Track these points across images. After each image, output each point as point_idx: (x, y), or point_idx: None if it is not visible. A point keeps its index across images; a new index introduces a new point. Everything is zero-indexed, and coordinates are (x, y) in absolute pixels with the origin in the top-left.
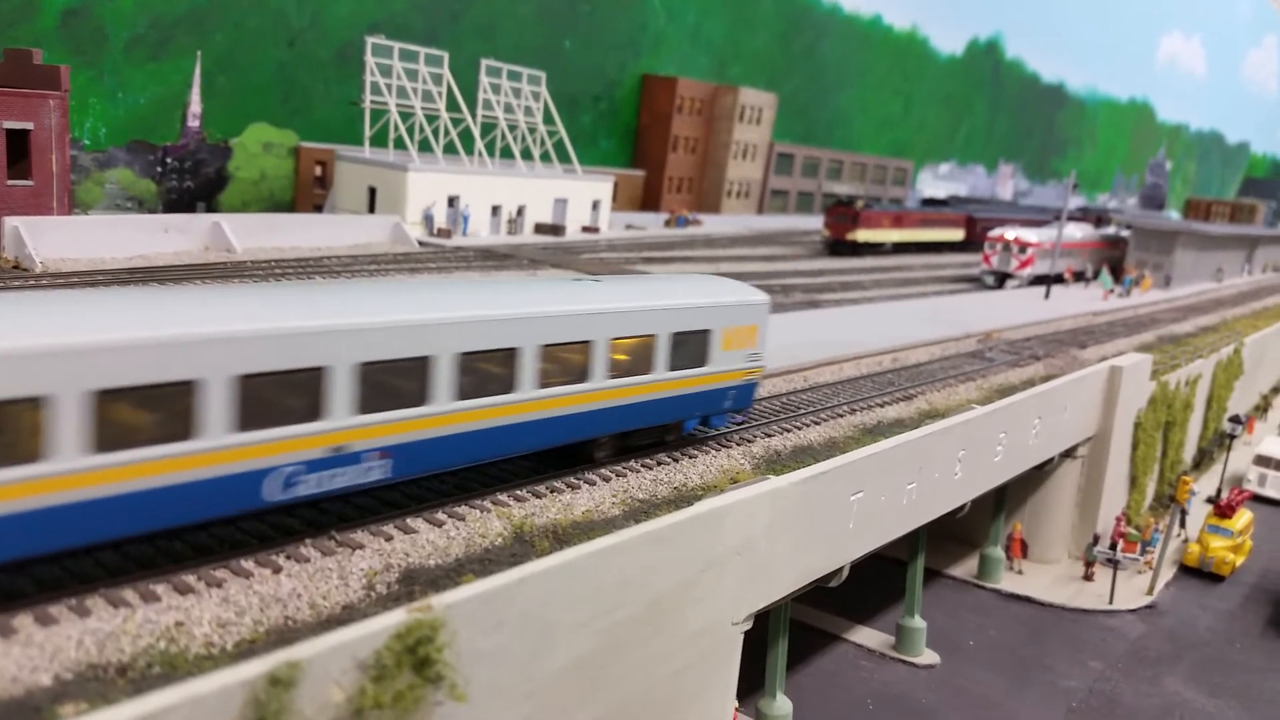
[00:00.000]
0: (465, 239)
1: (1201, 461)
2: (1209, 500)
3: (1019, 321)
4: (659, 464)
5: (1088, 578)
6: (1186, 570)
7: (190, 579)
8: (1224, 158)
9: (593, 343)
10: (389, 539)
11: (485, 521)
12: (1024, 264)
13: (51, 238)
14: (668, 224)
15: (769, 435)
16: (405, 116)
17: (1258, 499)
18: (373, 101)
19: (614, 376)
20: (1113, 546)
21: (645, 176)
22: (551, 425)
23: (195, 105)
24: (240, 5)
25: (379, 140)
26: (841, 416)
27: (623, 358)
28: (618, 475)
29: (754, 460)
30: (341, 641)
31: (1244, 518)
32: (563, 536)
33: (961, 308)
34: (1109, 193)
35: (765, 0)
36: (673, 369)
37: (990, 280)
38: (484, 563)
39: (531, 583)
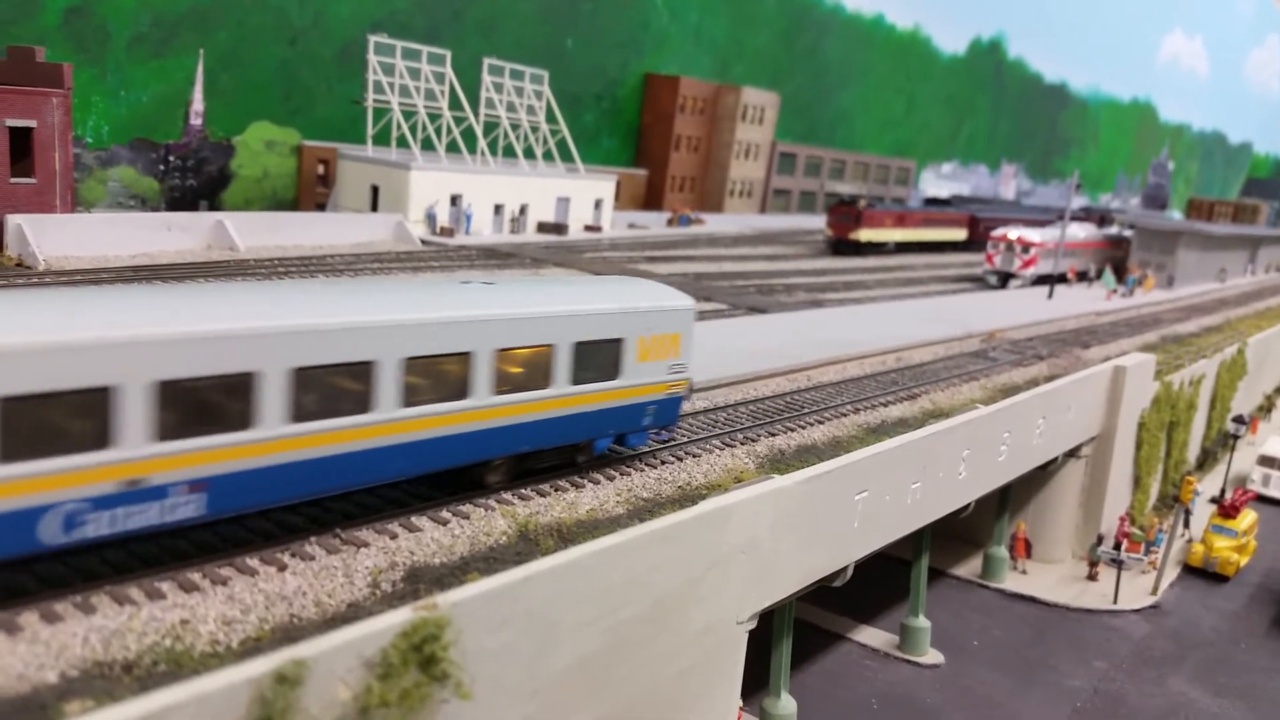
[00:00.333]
0: (468, 238)
1: (1205, 462)
2: (1213, 500)
3: (1022, 321)
4: (663, 463)
5: (1092, 578)
6: (1191, 570)
7: (195, 576)
8: (1226, 158)
9: (473, 354)
10: (394, 537)
11: (490, 520)
12: (1027, 264)
13: (54, 236)
14: (670, 223)
15: (773, 434)
16: (408, 115)
17: (1262, 499)
18: (375, 100)
19: (502, 392)
20: (1117, 546)
21: (648, 175)
22: (422, 449)
23: (198, 103)
24: (243, 3)
25: (381, 139)
26: (845, 416)
27: (514, 371)
28: (622, 474)
29: (758, 459)
30: (347, 640)
31: (1248, 518)
32: (567, 535)
33: (965, 307)
34: (1112, 193)
35: None
36: (576, 383)
37: (993, 280)
38: (489, 561)
39: (536, 581)
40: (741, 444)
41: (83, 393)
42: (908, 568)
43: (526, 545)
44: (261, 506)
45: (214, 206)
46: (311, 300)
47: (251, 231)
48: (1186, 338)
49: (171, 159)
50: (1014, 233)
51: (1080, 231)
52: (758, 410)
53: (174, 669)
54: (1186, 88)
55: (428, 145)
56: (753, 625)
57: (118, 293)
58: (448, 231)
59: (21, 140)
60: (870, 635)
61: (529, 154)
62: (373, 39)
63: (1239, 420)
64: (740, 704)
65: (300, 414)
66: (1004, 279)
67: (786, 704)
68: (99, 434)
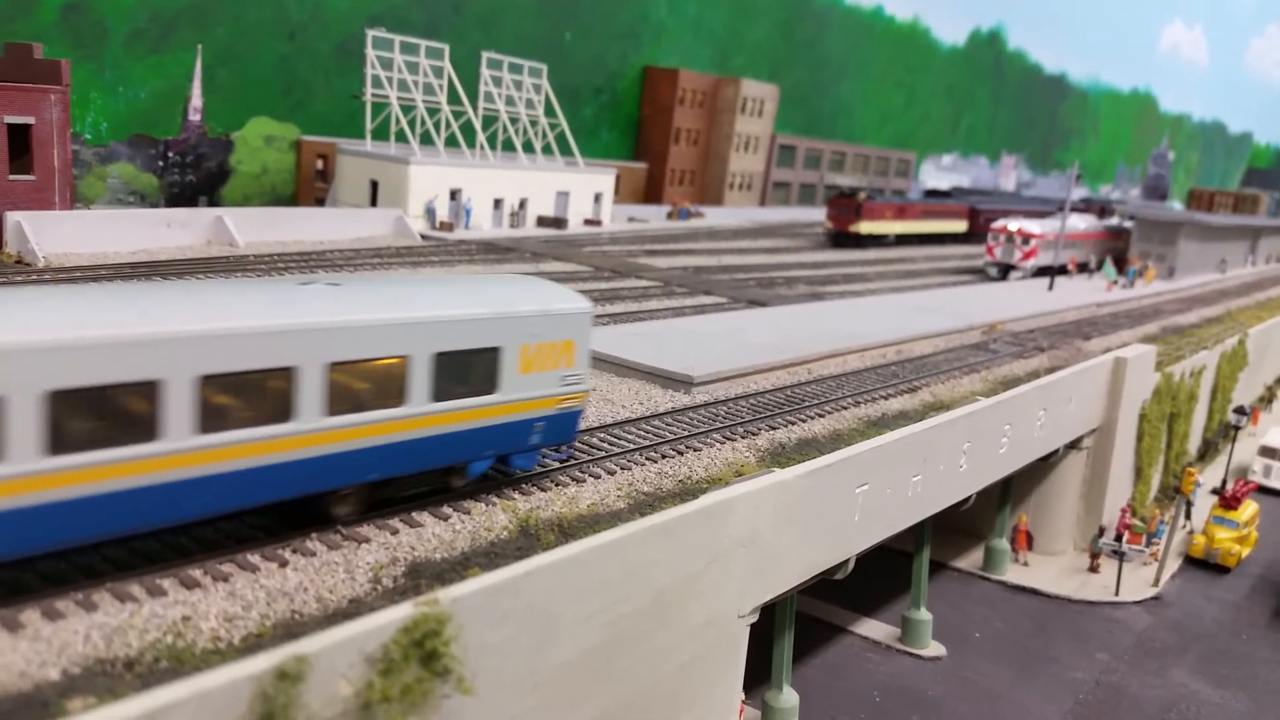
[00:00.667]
0: (467, 232)
1: (1206, 453)
2: (1214, 492)
3: (1023, 313)
4: (663, 457)
5: (1093, 569)
6: (1192, 562)
7: (196, 573)
8: (1227, 148)
9: (297, 369)
10: (395, 533)
11: (490, 515)
12: (1027, 255)
13: (54, 233)
14: (670, 216)
15: (773, 428)
16: (407, 109)
17: (1263, 490)
18: (374, 94)
19: (340, 412)
20: (1118, 538)
21: (647, 169)
22: (231, 482)
23: (196, 99)
24: None
25: (380, 133)
26: (846, 409)
27: (356, 387)
28: (622, 469)
29: (759, 453)
30: (349, 635)
31: (1249, 509)
32: (568, 530)
33: (965, 299)
34: (1112, 184)
35: None
36: (440, 399)
37: (994, 272)
38: (490, 556)
39: (537, 576)
40: (742, 437)
41: None
42: (909, 560)
43: (527, 540)
44: (14, 555)
45: (213, 202)
46: (58, 309)
47: (251, 227)
48: (1187, 329)
49: (170, 155)
50: (1014, 224)
51: (1080, 223)
52: (758, 404)
53: (176, 666)
54: (1187, 78)
55: (426, 140)
56: (754, 618)
57: None
58: (447, 226)
59: (20, 137)
60: (872, 628)
61: (528, 148)
62: (371, 33)
63: (1240, 411)
64: (742, 697)
65: (56, 446)
66: (1004, 271)
67: (788, 697)
68: None
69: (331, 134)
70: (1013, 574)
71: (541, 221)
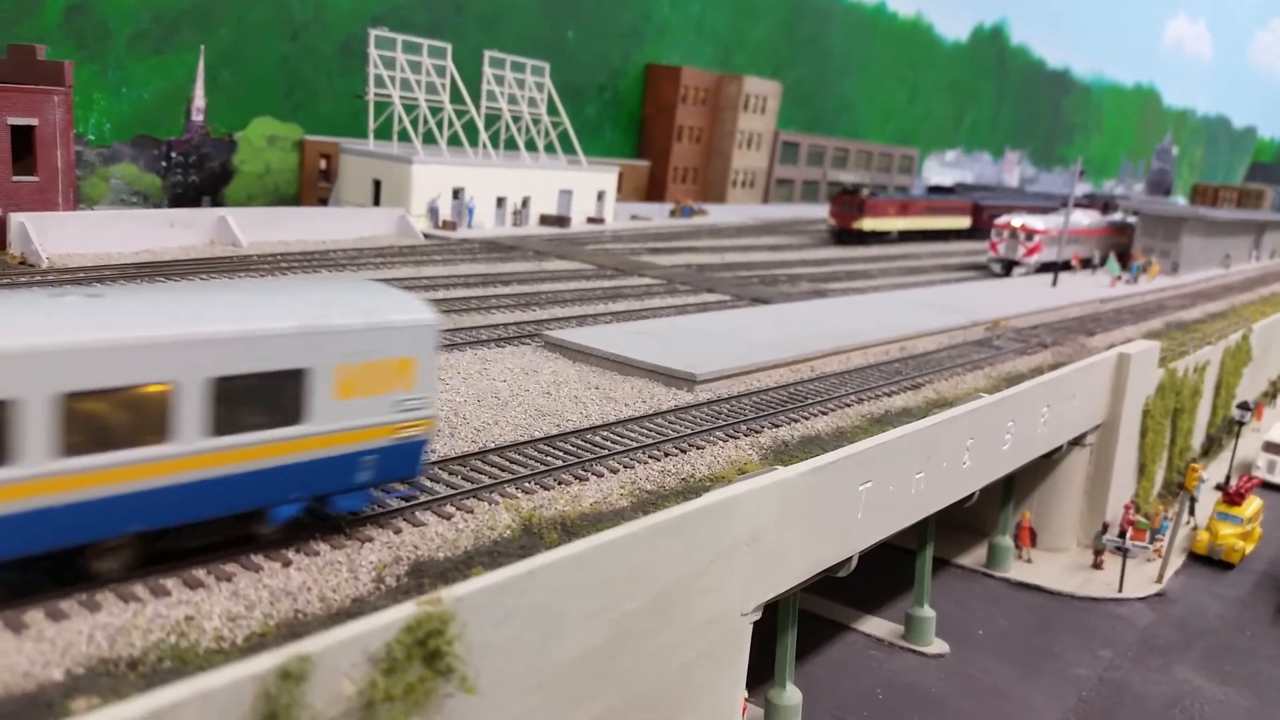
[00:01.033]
0: (470, 231)
1: (1210, 449)
2: (1218, 487)
3: (1026, 309)
4: (666, 455)
5: (1097, 566)
6: (1196, 558)
7: (200, 573)
8: (1231, 142)
9: (13, 403)
10: (398, 532)
11: (493, 514)
12: (1031, 251)
13: (57, 233)
14: (673, 214)
15: (776, 426)
16: (409, 109)
17: (1267, 486)
18: (376, 94)
19: (82, 452)
20: (1122, 534)
21: (650, 167)
22: None
23: (199, 99)
24: None
25: (383, 133)
26: (849, 406)
27: (109, 420)
28: (625, 467)
29: (762, 451)
30: (352, 635)
31: (1253, 505)
32: (571, 528)
33: (968, 296)
34: (1115, 179)
35: None
36: (221, 433)
37: (997, 268)
38: (493, 555)
39: (540, 575)
40: (745, 435)
41: None
42: (912, 558)
43: (530, 539)
44: None
45: (216, 202)
46: None
47: (254, 227)
48: (1191, 324)
49: (174, 155)
50: (1018, 220)
51: (1084, 218)
52: (761, 401)
53: (179, 666)
54: (1190, 72)
55: (429, 139)
56: (757, 616)
57: None
58: (450, 225)
59: (23, 138)
60: (875, 625)
61: (531, 146)
62: (374, 33)
63: (1244, 407)
64: (745, 695)
65: None
66: (1008, 267)
67: (791, 695)
68: None
69: (334, 134)
70: (1016, 571)
71: (544, 220)
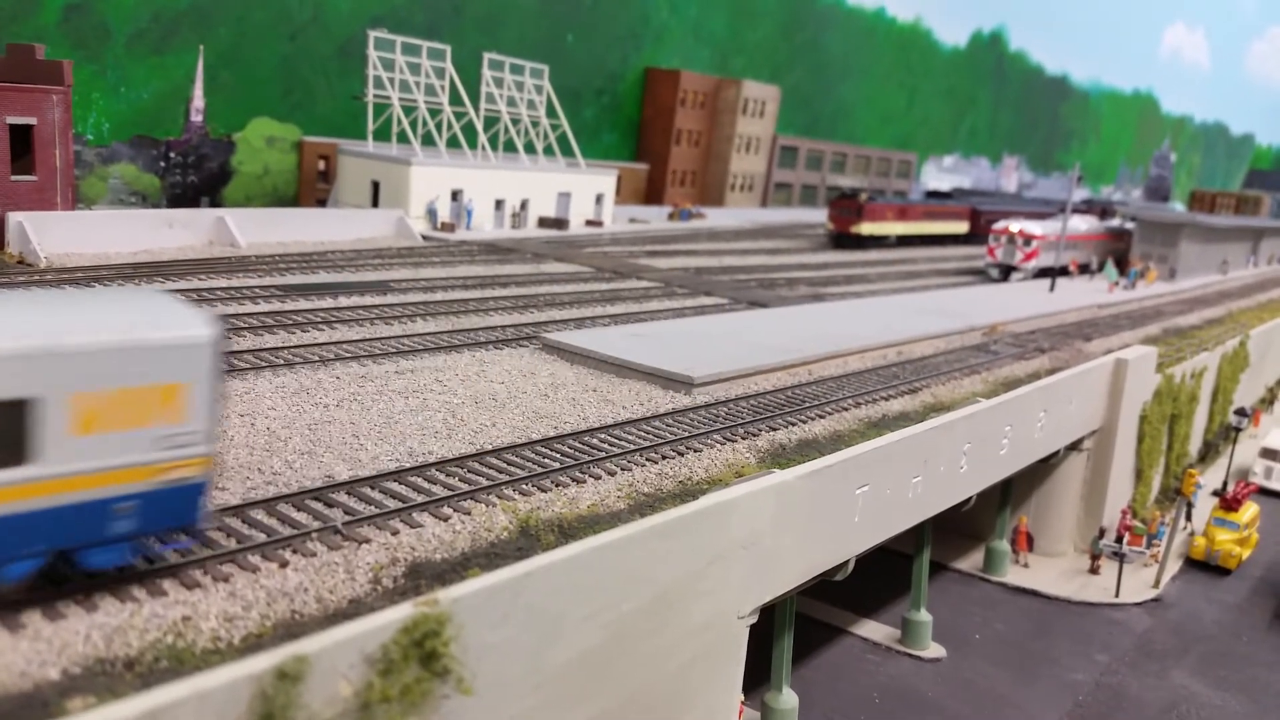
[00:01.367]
0: (469, 233)
1: (1207, 454)
2: (1215, 493)
3: (1024, 314)
4: (663, 458)
5: (1093, 571)
6: (1192, 563)
7: (197, 574)
8: (1229, 149)
9: None
10: (395, 533)
11: (491, 515)
12: (1029, 256)
13: (56, 233)
14: (671, 217)
15: (774, 429)
16: (408, 110)
17: (1264, 492)
18: (375, 95)
19: None
20: (1119, 540)
21: (648, 170)
22: None
23: (198, 100)
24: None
25: (382, 134)
26: (846, 410)
27: None
28: (623, 470)
29: (759, 454)
30: (349, 636)
31: (1250, 511)
32: (568, 530)
33: (966, 300)
34: (1113, 185)
35: None
36: None
37: (995, 273)
38: (490, 557)
39: (537, 576)
40: (742, 438)
41: None
42: (909, 562)
43: (527, 540)
44: None
45: (215, 203)
46: None
47: (253, 228)
48: (1188, 330)
49: (172, 156)
50: (1015, 225)
51: (1082, 224)
52: (759, 405)
53: (176, 666)
54: (1188, 79)
55: (428, 141)
56: (754, 620)
57: None
58: (449, 227)
59: (22, 138)
60: (872, 629)
61: (529, 149)
62: (373, 34)
63: (1241, 413)
64: (741, 698)
65: None
66: (1005, 272)
67: (788, 698)
68: None
69: (333, 135)
70: (1013, 575)
71: (543, 222)
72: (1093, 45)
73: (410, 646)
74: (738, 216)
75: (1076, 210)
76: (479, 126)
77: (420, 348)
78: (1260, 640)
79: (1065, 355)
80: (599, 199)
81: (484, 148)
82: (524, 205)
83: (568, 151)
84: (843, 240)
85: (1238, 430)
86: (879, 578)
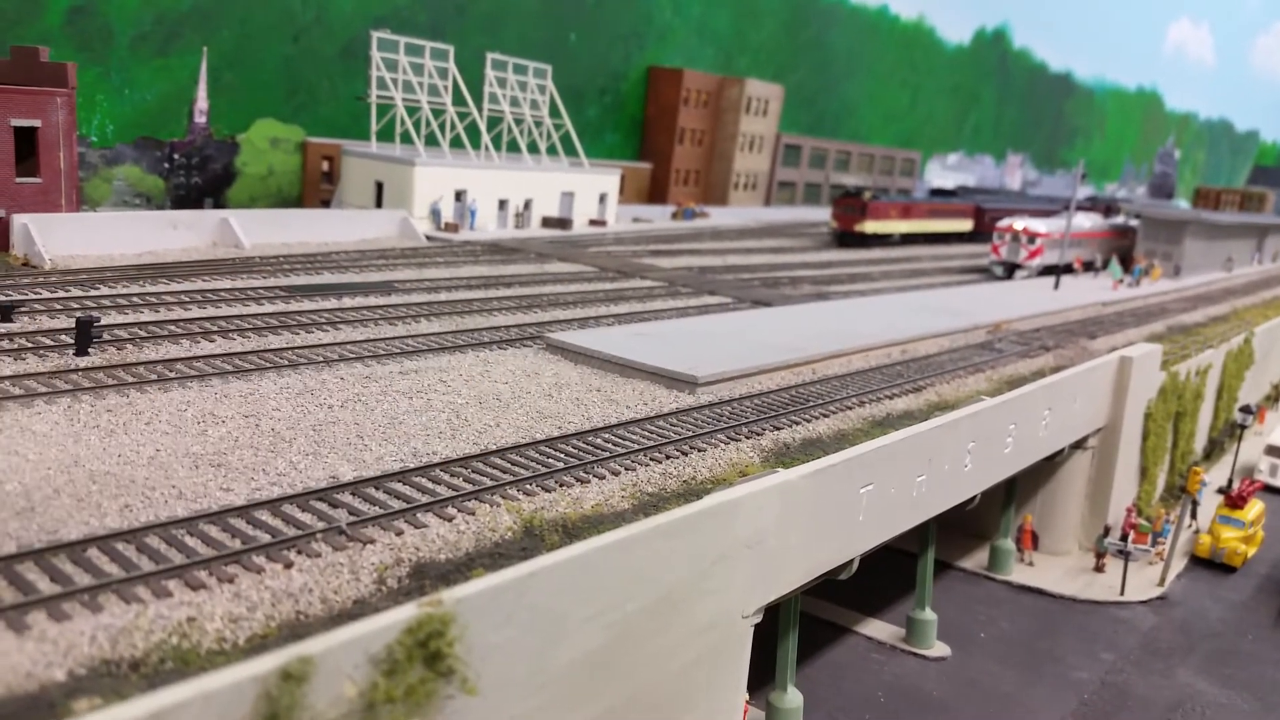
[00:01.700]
0: (472, 233)
1: (1212, 452)
2: (1220, 491)
3: (1028, 312)
4: (667, 458)
5: (1099, 569)
6: (1198, 561)
7: (202, 574)
8: (1233, 146)
9: None
10: (399, 534)
11: (495, 516)
12: (1033, 254)
13: (60, 235)
14: (675, 216)
15: (778, 428)
16: (411, 111)
17: (1269, 489)
18: (379, 96)
19: None
20: (1124, 538)
21: (652, 169)
22: None
23: (202, 101)
24: (245, 1)
25: (385, 135)
26: (850, 409)
27: None
28: (627, 469)
29: (763, 453)
30: (353, 636)
31: (1255, 508)
32: (572, 530)
33: (970, 299)
34: (1118, 182)
35: None
36: None
37: (999, 271)
38: (494, 557)
39: (541, 576)
40: (746, 438)
41: None
42: (914, 561)
43: (532, 541)
44: None
45: (219, 204)
46: None
47: (257, 229)
48: (1193, 327)
49: (176, 157)
50: (1020, 223)
51: (1086, 221)
52: (763, 404)
53: (181, 667)
54: (1193, 76)
55: (431, 141)
56: (758, 619)
57: None
58: (452, 227)
59: (26, 140)
60: (876, 628)
61: (533, 149)
62: (376, 35)
63: (1246, 410)
64: (746, 698)
65: None
66: (1010, 270)
67: (793, 697)
68: None
69: (337, 136)
70: (1018, 574)
71: (547, 222)
72: (1097, 42)
73: (415, 647)
74: (741, 215)
75: (1081, 208)
76: (482, 127)
77: (424, 348)
78: (1266, 638)
79: (1070, 353)
80: (602, 198)
81: (487, 148)
82: (527, 205)
83: (571, 151)
84: (846, 239)
85: (1243, 427)
86: (883, 577)
